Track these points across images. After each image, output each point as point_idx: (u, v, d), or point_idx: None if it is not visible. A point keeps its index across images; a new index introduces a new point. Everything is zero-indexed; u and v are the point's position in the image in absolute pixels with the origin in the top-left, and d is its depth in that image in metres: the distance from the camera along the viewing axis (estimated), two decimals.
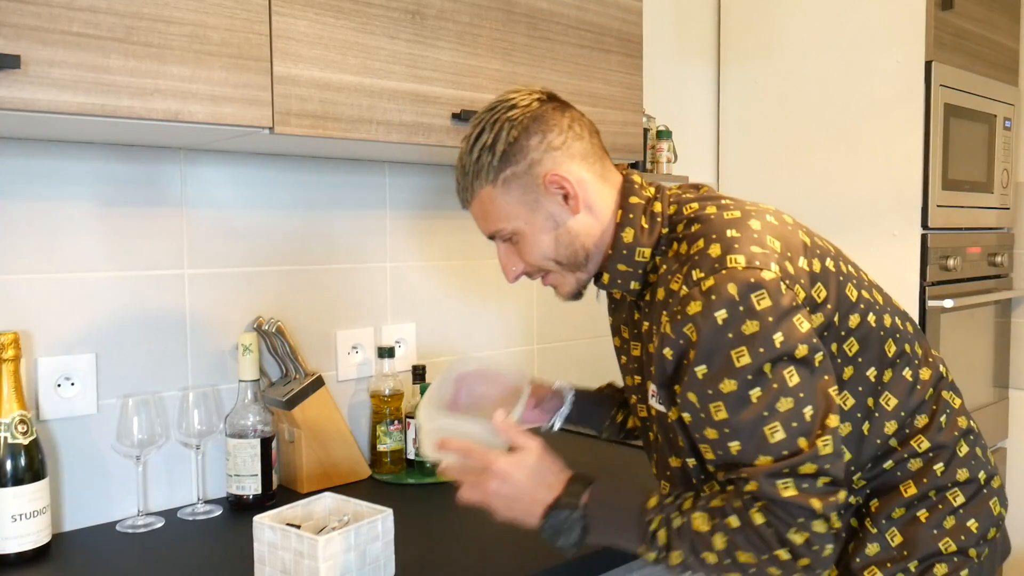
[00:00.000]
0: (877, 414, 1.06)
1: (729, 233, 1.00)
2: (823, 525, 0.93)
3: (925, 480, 1.06)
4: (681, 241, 1.04)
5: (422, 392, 1.68)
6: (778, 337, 0.93)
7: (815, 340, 0.96)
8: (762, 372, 0.94)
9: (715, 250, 0.98)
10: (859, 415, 1.06)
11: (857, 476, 1.07)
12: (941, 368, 1.14)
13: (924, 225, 2.17)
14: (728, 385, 0.94)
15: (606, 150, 1.15)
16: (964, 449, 1.09)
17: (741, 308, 0.93)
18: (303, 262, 1.68)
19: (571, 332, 2.18)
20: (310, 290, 1.69)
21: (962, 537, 1.05)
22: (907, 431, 1.07)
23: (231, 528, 1.40)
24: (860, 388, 1.05)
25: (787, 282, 0.96)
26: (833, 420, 0.95)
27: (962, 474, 1.07)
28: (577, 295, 1.16)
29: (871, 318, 1.06)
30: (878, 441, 1.06)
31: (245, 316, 1.60)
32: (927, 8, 2.11)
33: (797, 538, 0.93)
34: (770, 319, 0.93)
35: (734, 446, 0.96)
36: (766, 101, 2.46)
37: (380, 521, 1.14)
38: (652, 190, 1.12)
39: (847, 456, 1.05)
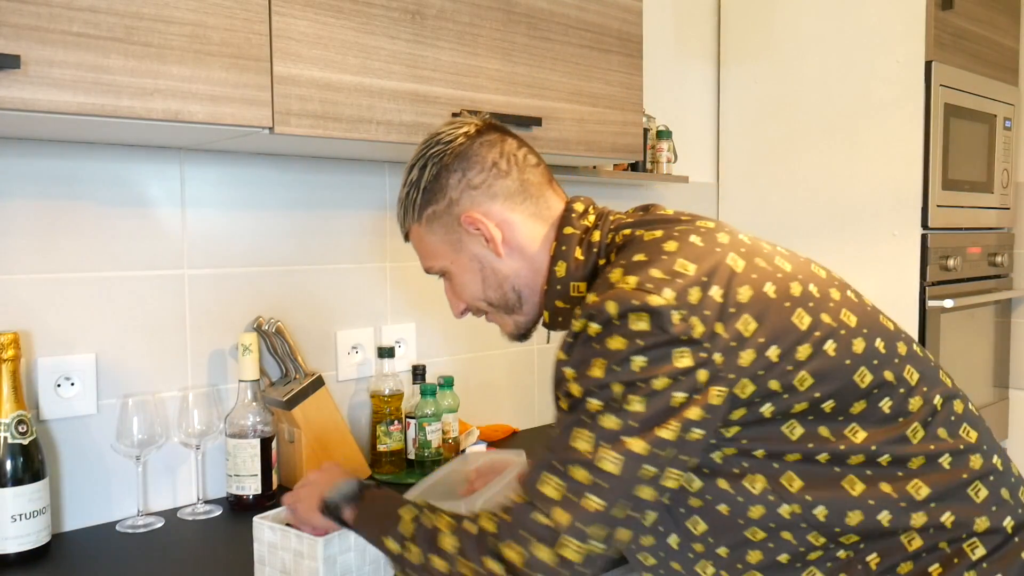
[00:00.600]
0: (842, 446, 0.93)
1: (636, 257, 0.95)
2: (546, 552, 0.85)
3: (932, 531, 0.93)
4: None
5: (422, 392, 1.68)
6: (639, 360, 0.87)
7: (685, 379, 0.87)
8: (608, 388, 0.88)
9: (616, 274, 0.93)
10: (810, 445, 0.93)
11: (824, 515, 0.94)
12: (936, 401, 0.99)
13: (924, 225, 2.17)
14: (575, 389, 0.90)
15: (551, 181, 1.10)
16: (983, 493, 0.96)
17: (615, 323, 0.88)
18: (303, 262, 1.68)
19: None
20: (310, 290, 1.69)
21: None
22: (900, 474, 0.94)
23: (231, 528, 1.40)
24: (810, 417, 0.93)
25: (682, 311, 0.88)
26: (637, 445, 0.86)
27: (981, 523, 0.94)
28: (520, 337, 1.14)
29: (829, 346, 0.94)
30: (854, 477, 0.94)
31: (245, 316, 1.60)
32: (927, 8, 2.12)
33: (513, 554, 0.86)
34: (639, 342, 0.87)
35: (551, 442, 0.91)
36: (766, 101, 2.46)
37: None
38: (592, 219, 1.07)
39: (798, 483, 0.93)
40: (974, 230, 2.39)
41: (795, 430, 0.93)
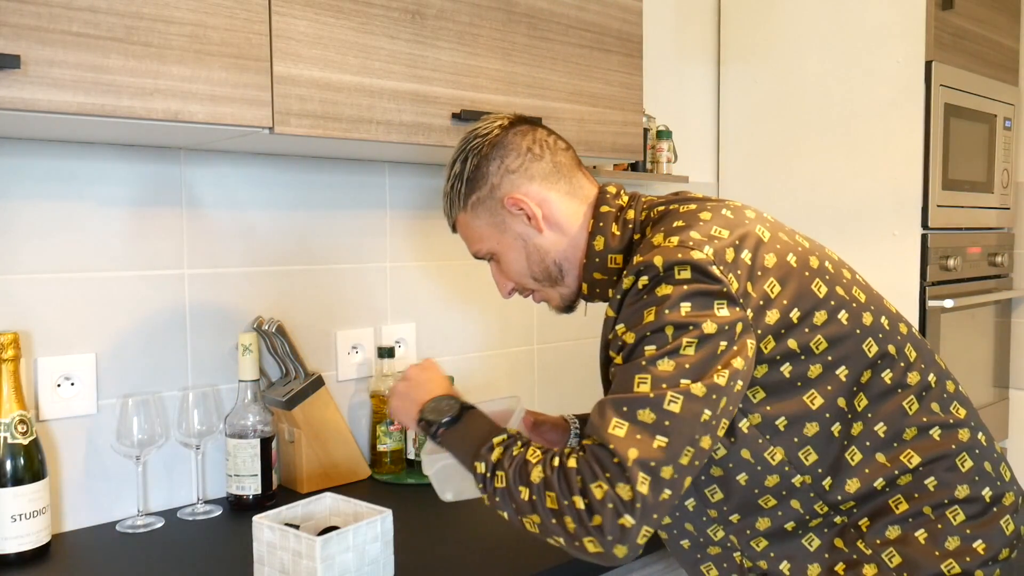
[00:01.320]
0: (850, 415, 1.02)
1: (675, 224, 1.04)
2: (627, 490, 0.88)
3: (917, 496, 1.01)
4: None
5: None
6: (686, 306, 0.95)
7: (728, 329, 0.95)
8: (662, 332, 0.95)
9: (658, 238, 1.02)
10: (827, 415, 1.01)
11: (830, 484, 1.01)
12: (930, 378, 1.07)
13: (924, 225, 2.17)
14: (629, 337, 0.97)
15: (579, 165, 1.20)
16: (967, 464, 1.04)
17: (661, 274, 0.97)
18: (303, 262, 1.68)
19: (571, 332, 2.18)
20: (310, 290, 1.69)
21: (967, 558, 0.99)
22: (895, 444, 1.02)
23: (231, 528, 1.40)
24: (829, 387, 1.01)
25: (720, 268, 0.97)
26: (698, 389, 0.92)
27: (962, 491, 1.02)
28: (567, 308, 1.23)
29: (842, 315, 1.03)
30: (855, 448, 1.02)
31: (245, 316, 1.60)
32: (927, 8, 2.11)
33: (597, 491, 0.89)
34: (685, 288, 0.95)
35: (613, 389, 0.97)
36: (766, 101, 2.46)
37: (379, 521, 1.14)
38: (626, 199, 1.16)
39: (813, 457, 1.01)
40: (974, 230, 2.39)
41: (815, 399, 1.01)
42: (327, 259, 1.71)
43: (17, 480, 1.23)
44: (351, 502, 1.19)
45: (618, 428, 0.91)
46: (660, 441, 0.90)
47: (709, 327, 0.94)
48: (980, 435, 1.08)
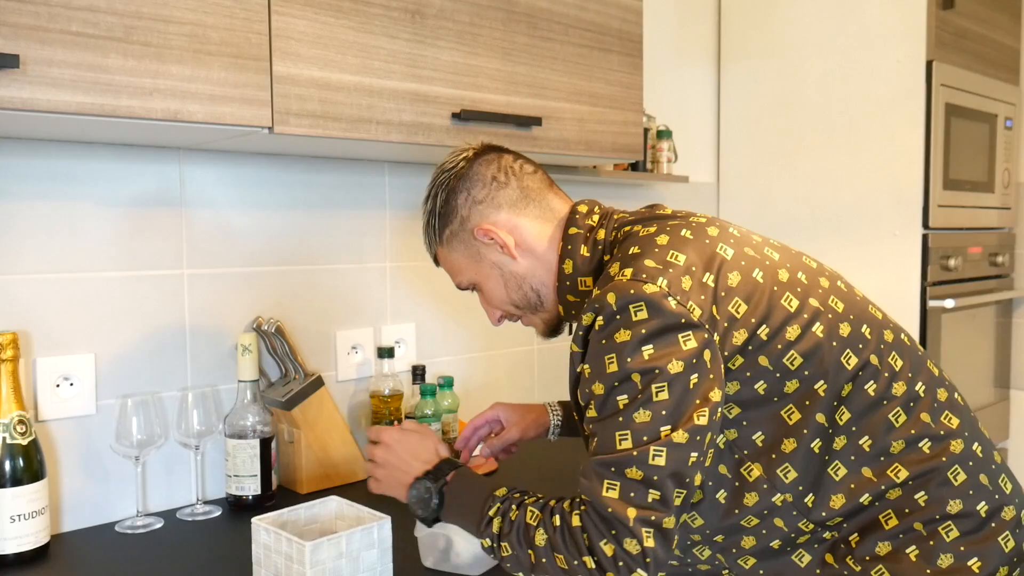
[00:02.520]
0: (831, 430, 0.99)
1: (632, 250, 1.02)
2: (634, 545, 0.90)
3: (907, 511, 0.98)
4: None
5: (422, 392, 1.68)
6: (648, 350, 0.93)
7: (695, 360, 0.93)
8: (629, 380, 0.94)
9: (614, 268, 1.01)
10: (805, 431, 0.99)
11: (812, 501, 0.99)
12: (919, 387, 1.04)
13: (925, 225, 2.16)
14: (598, 388, 0.97)
15: (551, 185, 1.19)
16: (960, 477, 1.00)
17: (617, 317, 0.95)
18: (303, 262, 1.68)
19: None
20: (310, 290, 1.69)
21: None
22: (881, 458, 0.99)
23: (230, 529, 1.40)
24: (807, 402, 0.99)
25: (677, 297, 0.95)
26: (680, 436, 0.92)
27: (955, 505, 0.99)
28: (551, 333, 1.22)
29: (817, 329, 0.99)
30: (839, 463, 0.99)
31: (245, 316, 1.60)
32: (928, 7, 2.11)
33: (607, 549, 0.91)
34: (643, 331, 0.93)
35: (593, 444, 0.97)
36: (766, 101, 2.46)
37: (375, 528, 1.11)
38: (596, 218, 1.14)
39: (792, 475, 0.99)
40: (975, 230, 2.39)
41: (792, 415, 0.99)
42: (327, 259, 1.71)
43: (16, 481, 1.23)
44: (355, 507, 1.17)
45: (611, 490, 0.92)
46: (654, 495, 0.91)
47: (675, 367, 0.92)
48: (975, 445, 1.04)
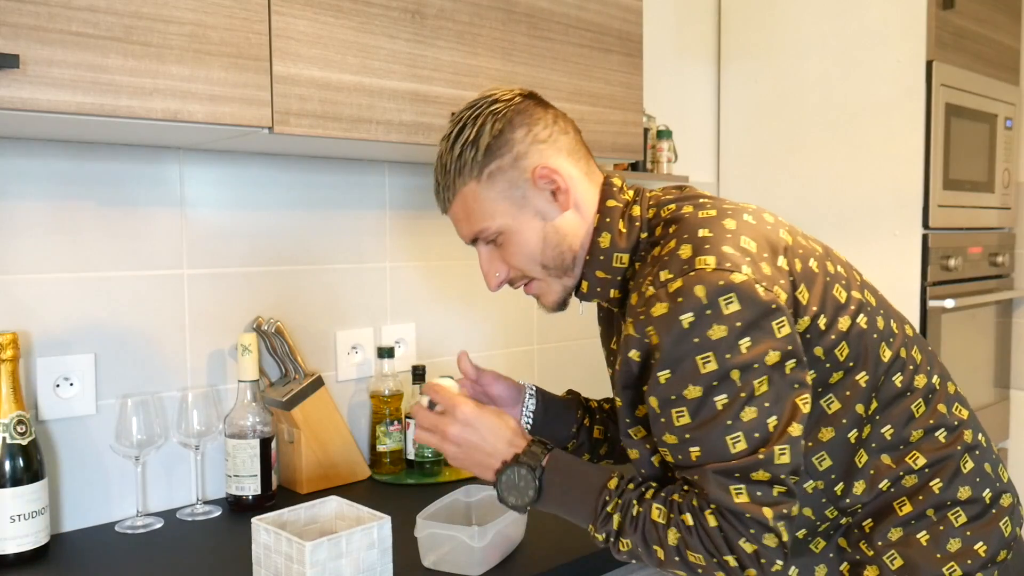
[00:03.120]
0: (867, 423, 1.01)
1: (701, 233, 0.96)
2: (773, 539, 0.91)
3: (921, 497, 1.01)
4: (658, 244, 1.01)
5: (422, 393, 1.68)
6: (745, 343, 0.90)
7: (790, 347, 0.92)
8: (728, 378, 0.90)
9: (685, 251, 0.95)
10: (844, 421, 1.00)
11: (841, 489, 1.02)
12: (935, 380, 1.06)
13: (925, 225, 2.16)
14: (692, 391, 0.91)
15: (590, 151, 1.12)
16: (969, 465, 1.03)
17: (708, 312, 0.90)
18: (303, 262, 1.68)
19: (571, 332, 2.18)
20: (310, 290, 1.69)
21: (968, 561, 0.99)
22: (901, 447, 1.01)
23: (230, 529, 1.40)
24: (848, 393, 1.00)
25: (763, 284, 0.91)
26: (795, 430, 0.91)
27: (964, 492, 1.02)
28: (562, 305, 1.12)
29: (862, 320, 1.00)
30: (863, 451, 1.01)
31: (245, 316, 1.60)
32: (928, 7, 2.11)
33: (747, 547, 0.91)
34: (738, 324, 0.90)
35: (694, 452, 0.93)
36: (766, 101, 2.46)
37: (375, 528, 1.11)
38: (631, 193, 1.09)
39: (827, 463, 1.01)
40: (975, 230, 2.39)
41: (832, 404, 1.00)
42: (327, 259, 1.71)
43: (16, 481, 1.23)
44: (355, 507, 1.17)
45: (740, 495, 0.91)
46: (779, 489, 0.91)
47: (772, 357, 0.90)
48: (980, 436, 1.08)
